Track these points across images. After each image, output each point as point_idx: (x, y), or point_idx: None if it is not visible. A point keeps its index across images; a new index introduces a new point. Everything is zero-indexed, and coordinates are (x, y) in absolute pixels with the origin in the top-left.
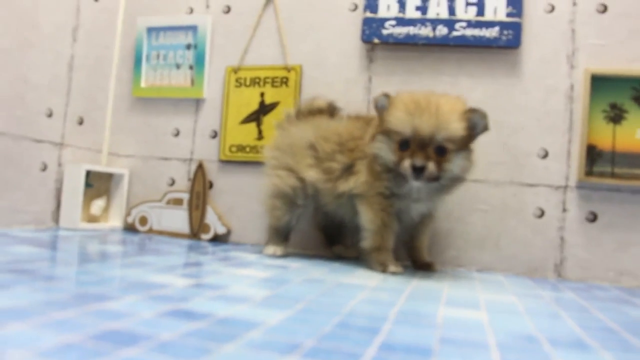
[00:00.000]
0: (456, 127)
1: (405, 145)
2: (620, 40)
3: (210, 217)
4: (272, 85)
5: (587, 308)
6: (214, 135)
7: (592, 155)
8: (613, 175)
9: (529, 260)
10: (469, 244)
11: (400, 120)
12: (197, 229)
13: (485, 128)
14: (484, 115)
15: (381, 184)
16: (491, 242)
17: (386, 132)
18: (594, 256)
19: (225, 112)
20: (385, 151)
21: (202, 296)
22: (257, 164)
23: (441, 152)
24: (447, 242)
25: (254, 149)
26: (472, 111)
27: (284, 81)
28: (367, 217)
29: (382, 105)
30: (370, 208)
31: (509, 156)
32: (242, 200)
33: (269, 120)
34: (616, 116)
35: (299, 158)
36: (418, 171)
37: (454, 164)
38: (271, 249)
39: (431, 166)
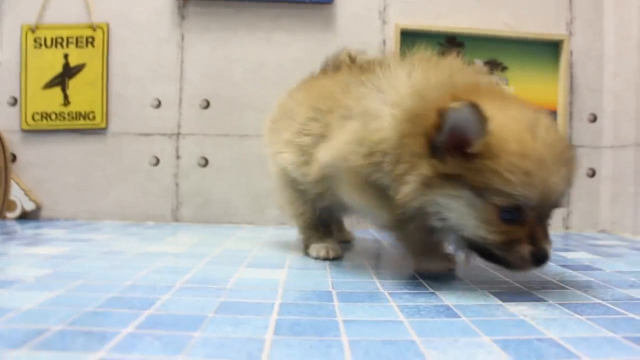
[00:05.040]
0: None
1: (514, 215)
2: None
3: (16, 193)
4: (77, 46)
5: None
6: (14, 102)
7: None
8: None
9: None
10: None
11: (522, 179)
12: (1, 208)
13: None
14: None
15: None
16: None
17: (479, 188)
18: None
19: (25, 76)
20: (469, 219)
21: None
22: (65, 132)
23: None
24: None
25: (61, 115)
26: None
27: (90, 41)
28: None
29: (472, 130)
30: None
31: None
32: (52, 173)
33: (75, 84)
34: None
35: (275, 135)
36: (541, 262)
37: None
38: (322, 250)
39: (550, 248)
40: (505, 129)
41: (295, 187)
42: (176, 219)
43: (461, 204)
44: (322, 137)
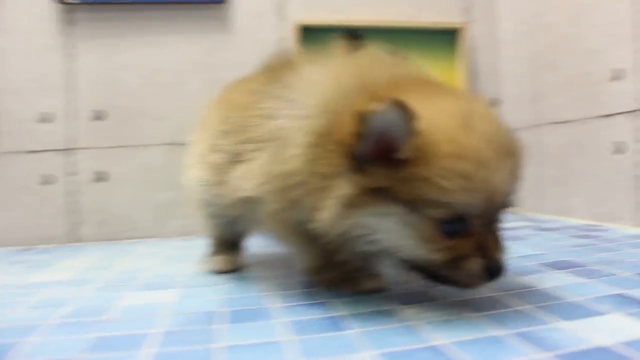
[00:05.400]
0: None
1: (457, 226)
2: None
3: None
4: None
5: None
6: None
7: None
8: None
9: None
10: None
11: (460, 184)
12: None
13: None
14: None
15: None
16: None
17: (412, 201)
18: None
19: None
20: (405, 239)
21: None
22: None
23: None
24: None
25: None
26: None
27: None
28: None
29: (399, 133)
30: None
31: None
32: None
33: None
34: None
35: (191, 148)
36: (495, 275)
37: None
38: (218, 263)
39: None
40: (436, 127)
41: (204, 207)
42: (75, 240)
43: (393, 222)
44: (237, 156)
